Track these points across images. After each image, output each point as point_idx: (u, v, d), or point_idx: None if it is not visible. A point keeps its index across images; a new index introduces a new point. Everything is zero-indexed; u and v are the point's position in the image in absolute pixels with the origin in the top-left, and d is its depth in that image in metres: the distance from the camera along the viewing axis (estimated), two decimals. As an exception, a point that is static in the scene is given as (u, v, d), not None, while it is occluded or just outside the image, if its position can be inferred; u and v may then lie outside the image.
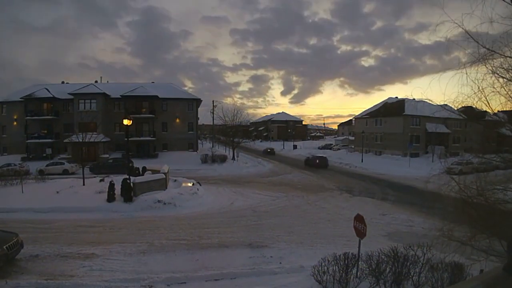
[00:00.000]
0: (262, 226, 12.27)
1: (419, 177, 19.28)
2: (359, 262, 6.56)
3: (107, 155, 31.99)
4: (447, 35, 4.83)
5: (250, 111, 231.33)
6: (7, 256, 7.89)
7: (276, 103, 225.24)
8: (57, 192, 16.41)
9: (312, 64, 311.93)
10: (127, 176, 16.54)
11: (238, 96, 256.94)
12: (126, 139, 19.83)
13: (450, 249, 5.51)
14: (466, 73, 4.82)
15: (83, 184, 18.31)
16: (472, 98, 4.99)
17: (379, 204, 16.21)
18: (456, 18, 4.67)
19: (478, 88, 4.85)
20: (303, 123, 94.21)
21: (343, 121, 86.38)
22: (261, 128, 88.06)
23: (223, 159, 32.94)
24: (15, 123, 35.04)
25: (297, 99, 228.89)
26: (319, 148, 55.02)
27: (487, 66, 4.75)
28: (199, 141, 43.82)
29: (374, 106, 44.52)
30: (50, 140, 33.62)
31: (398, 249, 6.46)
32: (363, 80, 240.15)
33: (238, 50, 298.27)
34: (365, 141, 38.21)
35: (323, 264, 6.45)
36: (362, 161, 33.99)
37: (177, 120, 37.40)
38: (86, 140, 22.61)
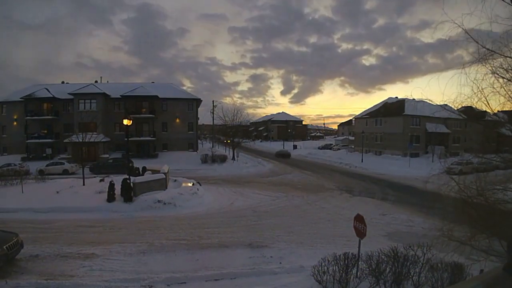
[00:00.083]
0: (262, 226, 12.27)
1: (419, 177, 19.26)
2: (359, 262, 6.56)
3: (107, 155, 31.99)
4: (447, 35, 4.84)
5: (250, 111, 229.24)
6: (7, 256, 7.89)
7: (276, 102, 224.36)
8: (57, 192, 16.41)
9: (312, 63, 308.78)
10: (127, 176, 16.55)
11: (237, 95, 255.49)
12: (126, 139, 19.84)
13: (450, 249, 5.52)
14: (466, 73, 4.83)
15: (83, 184, 18.30)
16: (472, 98, 5.00)
17: (379, 204, 16.21)
18: (456, 18, 4.67)
19: (478, 88, 4.86)
20: (303, 123, 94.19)
21: (343, 121, 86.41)
22: (261, 128, 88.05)
23: (223, 159, 32.94)
24: (15, 123, 35.03)
25: (297, 99, 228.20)
26: (319, 148, 55.00)
27: (487, 66, 4.76)
28: (199, 141, 43.82)
29: (374, 106, 44.52)
30: (50, 140, 33.62)
31: (398, 249, 6.46)
32: (363, 80, 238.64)
33: (236, 48, 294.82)
34: (365, 141, 38.21)
35: (323, 264, 6.45)
36: (362, 161, 33.99)
37: (177, 120, 37.41)
38: (86, 140, 22.60)
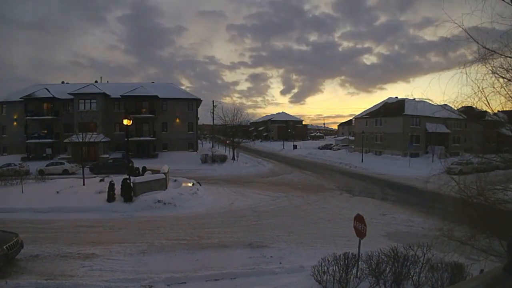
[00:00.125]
0: (262, 226, 12.27)
1: (419, 177, 19.26)
2: (359, 262, 6.56)
3: (107, 155, 31.98)
4: (448, 34, 4.84)
5: (250, 110, 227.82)
6: (7, 256, 7.89)
7: (276, 102, 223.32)
8: (57, 192, 16.41)
9: (312, 62, 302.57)
10: (127, 176, 16.55)
11: (237, 95, 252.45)
12: (126, 139, 19.84)
13: (450, 249, 5.52)
14: (466, 73, 4.83)
15: (83, 184, 18.31)
16: (472, 98, 5.00)
17: (379, 204, 16.20)
18: (457, 18, 4.67)
19: (478, 88, 4.86)
20: (303, 123, 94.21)
21: (343, 121, 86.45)
22: (261, 128, 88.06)
23: (223, 159, 32.94)
24: (15, 123, 35.03)
25: (297, 99, 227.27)
26: (319, 148, 54.97)
27: (487, 66, 4.76)
28: (199, 141, 43.83)
29: (374, 106, 44.54)
30: (50, 140, 33.62)
31: (398, 249, 6.46)
32: (364, 79, 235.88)
33: (235, 47, 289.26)
34: (365, 141, 38.20)
35: (323, 264, 6.45)
36: (362, 161, 33.97)
37: (177, 120, 37.41)
38: (86, 140, 22.61)
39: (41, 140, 33.54)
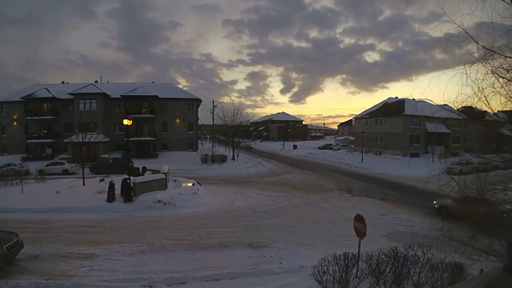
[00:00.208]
0: (262, 226, 12.27)
1: (419, 177, 19.27)
2: (359, 262, 6.56)
3: (107, 155, 31.98)
4: (447, 35, 4.84)
5: (249, 110, 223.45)
6: (7, 256, 7.89)
7: (276, 102, 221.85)
8: (57, 192, 16.40)
9: (312, 60, 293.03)
10: (127, 176, 16.54)
11: (235, 95, 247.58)
12: (126, 139, 19.84)
13: (450, 249, 5.52)
14: (466, 73, 4.83)
15: (83, 184, 18.30)
16: (472, 98, 5.00)
17: (379, 204, 16.20)
18: (457, 18, 4.67)
19: (478, 88, 4.86)
20: (303, 123, 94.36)
21: (343, 121, 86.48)
22: (261, 128, 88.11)
23: (223, 159, 32.94)
24: (15, 123, 35.03)
25: (297, 98, 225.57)
26: (319, 148, 54.97)
27: (487, 66, 4.76)
28: (199, 141, 43.83)
29: (374, 106, 44.59)
30: (50, 140, 33.61)
31: (398, 249, 6.47)
32: (366, 77, 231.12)
33: (232, 44, 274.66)
34: (365, 141, 38.20)
35: (323, 264, 6.45)
36: (362, 161, 33.97)
37: (177, 120, 37.42)
38: (86, 140, 22.60)
39: (41, 140, 33.53)
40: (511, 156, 6.36)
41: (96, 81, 40.37)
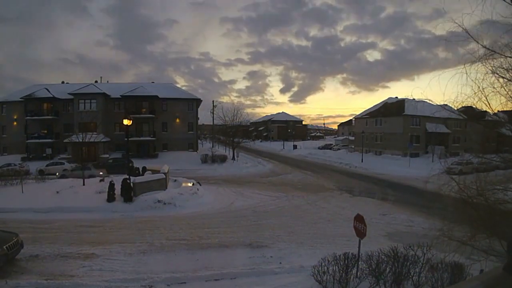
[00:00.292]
0: (262, 226, 12.27)
1: (419, 177, 19.25)
2: (359, 262, 6.57)
3: (107, 155, 31.97)
4: (447, 35, 4.84)
5: (249, 110, 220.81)
6: (7, 256, 7.89)
7: (276, 101, 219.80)
8: (57, 192, 16.39)
9: (312, 59, 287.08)
10: (127, 176, 16.55)
11: (235, 94, 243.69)
12: (126, 139, 19.86)
13: (450, 249, 5.51)
14: (466, 73, 4.82)
15: (83, 184, 18.29)
16: (472, 98, 4.99)
17: (379, 204, 16.21)
18: (457, 18, 4.67)
19: (478, 88, 4.85)
20: (303, 123, 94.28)
21: (343, 121, 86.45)
22: (261, 128, 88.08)
23: (223, 159, 32.95)
24: (15, 123, 35.04)
25: (297, 97, 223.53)
26: (319, 148, 54.96)
27: (487, 65, 4.75)
28: (199, 141, 43.83)
29: (374, 106, 44.63)
30: (50, 140, 33.60)
31: (398, 249, 6.47)
32: (367, 76, 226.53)
33: (231, 43, 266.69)
34: (365, 141, 38.20)
35: (323, 264, 6.45)
36: (362, 161, 33.97)
37: (177, 120, 37.43)
38: (86, 140, 22.64)
39: (41, 140, 33.53)
40: (511, 156, 6.36)
41: (96, 81, 40.38)
